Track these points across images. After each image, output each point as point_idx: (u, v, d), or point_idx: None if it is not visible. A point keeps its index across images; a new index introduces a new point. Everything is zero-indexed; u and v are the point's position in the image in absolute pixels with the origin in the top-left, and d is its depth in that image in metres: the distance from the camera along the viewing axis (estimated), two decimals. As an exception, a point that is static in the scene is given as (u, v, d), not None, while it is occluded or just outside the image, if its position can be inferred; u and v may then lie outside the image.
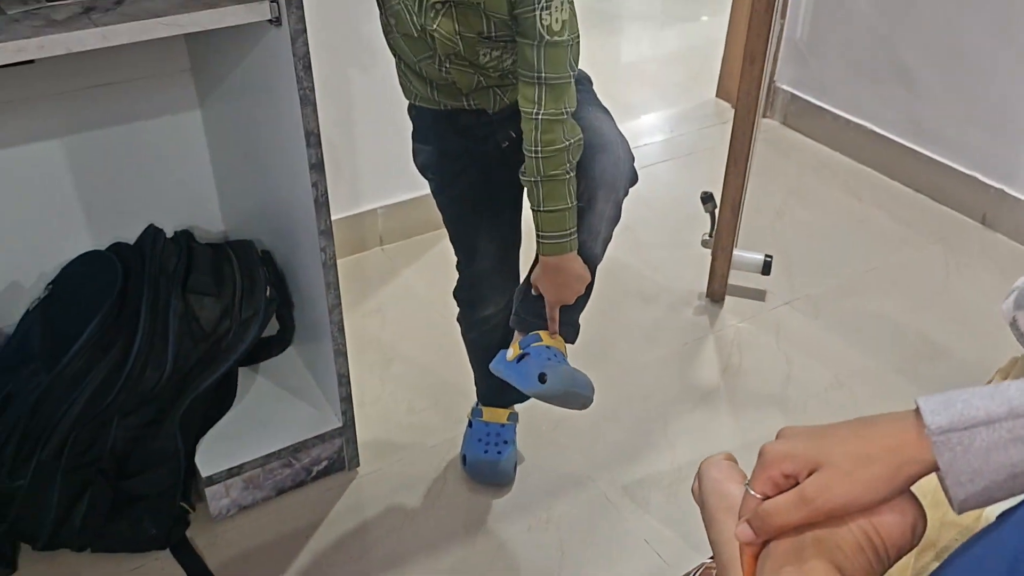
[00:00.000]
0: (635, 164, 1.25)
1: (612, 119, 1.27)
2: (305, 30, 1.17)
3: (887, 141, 2.50)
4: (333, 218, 2.04)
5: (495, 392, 1.56)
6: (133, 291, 1.39)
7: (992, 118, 2.23)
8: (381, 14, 1.21)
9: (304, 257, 1.45)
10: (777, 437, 0.58)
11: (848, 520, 0.54)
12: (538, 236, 1.21)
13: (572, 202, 1.18)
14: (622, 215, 1.26)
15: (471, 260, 1.43)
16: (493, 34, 1.15)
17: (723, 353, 1.88)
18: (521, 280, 1.38)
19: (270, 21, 1.17)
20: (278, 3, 1.15)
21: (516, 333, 1.33)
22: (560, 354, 1.28)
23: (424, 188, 2.15)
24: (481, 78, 1.22)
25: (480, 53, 1.17)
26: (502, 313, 1.45)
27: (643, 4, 4.02)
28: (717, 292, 2.01)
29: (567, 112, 1.14)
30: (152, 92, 1.66)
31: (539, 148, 1.14)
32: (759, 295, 2.05)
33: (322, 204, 1.32)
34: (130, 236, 1.61)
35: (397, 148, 2.08)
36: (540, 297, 1.28)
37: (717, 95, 2.96)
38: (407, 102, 1.33)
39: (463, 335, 1.55)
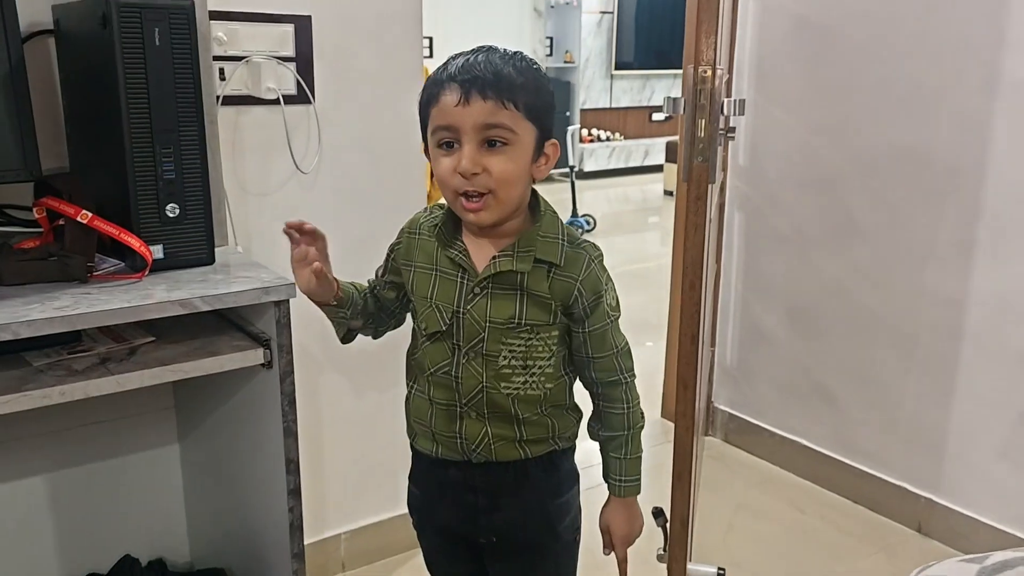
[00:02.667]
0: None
1: None
2: (292, 371, 1.35)
3: (821, 456, 2.69)
4: (297, 545, 2.15)
5: None
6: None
7: (909, 432, 2.44)
8: (415, 342, 1.30)
9: (275, 580, 1.51)
10: None
11: None
12: (618, 481, 1.35)
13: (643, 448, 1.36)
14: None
15: None
16: (523, 320, 1.22)
17: (686, 671, 1.89)
18: None
19: (262, 365, 1.35)
20: (271, 349, 1.34)
21: None
22: None
23: (390, 511, 2.28)
24: (485, 388, 1.24)
25: (502, 353, 1.23)
26: None
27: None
28: (675, 608, 2.05)
29: (635, 372, 1.33)
30: (136, 429, 1.79)
31: (630, 405, 1.32)
32: (716, 609, 2.09)
33: (296, 528, 1.42)
34: (103, 566, 1.66)
35: (364, 470, 2.21)
36: None
37: (662, 415, 3.17)
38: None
39: None
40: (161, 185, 1.31)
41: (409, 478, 1.41)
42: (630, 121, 9.15)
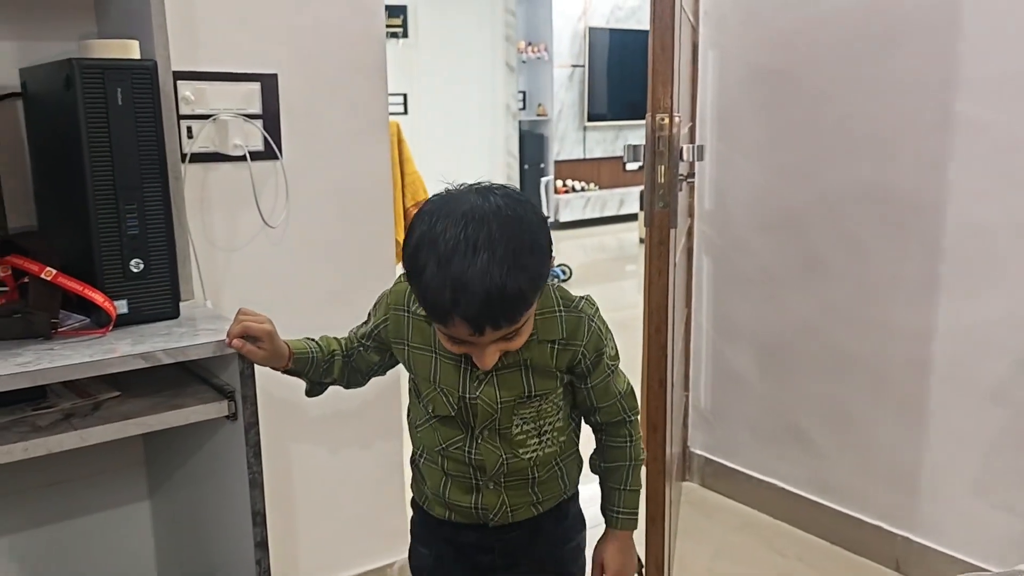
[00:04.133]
0: None
1: None
2: (257, 423, 1.35)
3: (797, 498, 2.70)
4: (270, 601, 2.11)
5: None
6: None
7: (884, 471, 2.46)
8: (416, 404, 1.31)
9: (244, 638, 1.48)
10: None
11: None
12: (616, 513, 1.36)
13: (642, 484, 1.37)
14: None
15: None
16: (534, 391, 1.23)
17: None
18: None
19: (227, 417, 1.35)
20: (235, 401, 1.34)
21: None
22: None
23: (361, 564, 2.25)
24: (505, 460, 1.26)
25: (515, 423, 1.25)
26: None
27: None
28: (654, 655, 2.03)
29: (639, 411, 1.36)
30: (106, 486, 1.78)
31: (632, 440, 1.34)
32: (696, 656, 2.07)
33: (264, 581, 1.40)
34: (68, 630, 1.63)
35: (334, 524, 2.19)
36: None
37: (639, 462, 3.17)
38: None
39: None
40: (125, 241, 1.32)
41: (413, 537, 1.43)
42: (604, 171, 9.28)
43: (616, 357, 1.31)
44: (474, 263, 1.02)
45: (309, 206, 1.97)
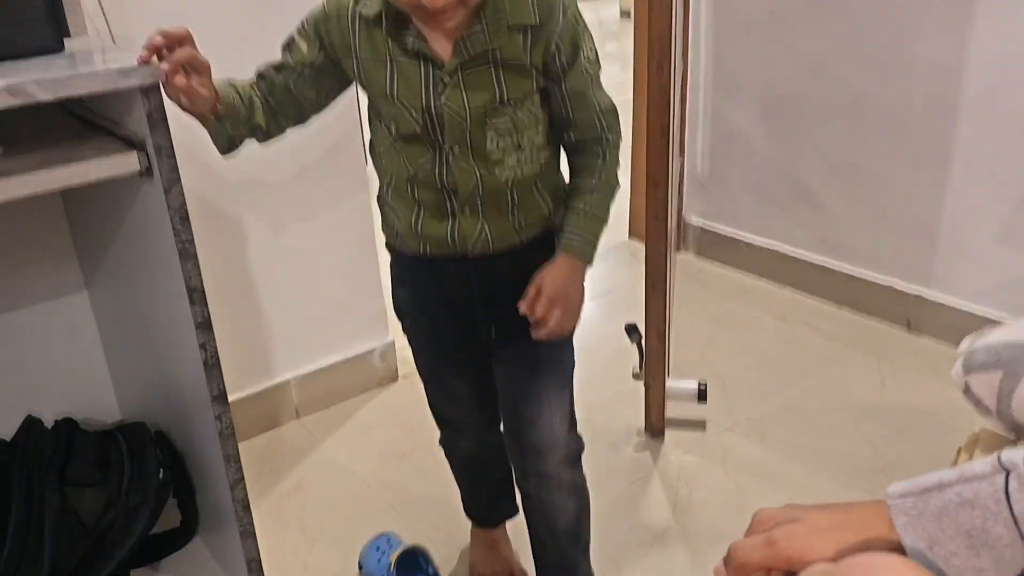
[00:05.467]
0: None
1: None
2: (179, 180, 1.10)
3: (802, 261, 2.52)
4: (242, 394, 1.96)
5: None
6: (1, 489, 1.23)
7: (899, 225, 2.26)
8: (378, 127, 1.14)
9: (200, 429, 1.31)
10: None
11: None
12: (570, 234, 1.14)
13: (609, 218, 1.17)
14: None
15: (448, 406, 1.40)
16: (507, 95, 1.07)
17: (670, 489, 1.76)
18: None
19: (140, 173, 1.10)
20: (146, 153, 1.08)
21: None
22: None
23: (340, 352, 2.09)
24: (480, 179, 1.11)
25: (488, 136, 1.09)
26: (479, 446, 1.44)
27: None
28: (656, 426, 1.91)
29: (620, 135, 1.17)
30: (35, 277, 1.56)
31: (606, 160, 1.15)
32: (699, 425, 1.95)
33: (212, 366, 1.20)
34: (9, 431, 1.46)
35: (307, 312, 2.01)
36: None
37: (630, 236, 2.98)
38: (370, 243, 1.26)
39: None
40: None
41: (392, 281, 1.29)
42: (582, -60, 8.55)
43: (596, 62, 1.13)
44: None
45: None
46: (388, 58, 1.06)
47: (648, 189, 1.73)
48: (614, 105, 1.16)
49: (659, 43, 1.61)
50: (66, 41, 1.15)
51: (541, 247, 1.18)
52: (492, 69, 1.06)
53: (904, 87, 2.14)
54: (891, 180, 2.24)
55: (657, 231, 1.75)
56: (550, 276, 1.13)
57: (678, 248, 2.83)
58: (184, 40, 0.99)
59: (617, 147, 1.17)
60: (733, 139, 2.61)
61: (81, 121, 1.22)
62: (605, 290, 2.60)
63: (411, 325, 1.31)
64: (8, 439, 1.43)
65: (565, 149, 1.19)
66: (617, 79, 6.21)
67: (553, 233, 1.18)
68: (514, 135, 1.10)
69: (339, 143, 1.91)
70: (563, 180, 1.21)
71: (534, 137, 1.12)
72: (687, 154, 2.74)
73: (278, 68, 1.13)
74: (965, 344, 0.76)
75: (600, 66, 1.13)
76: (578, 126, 1.14)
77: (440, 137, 1.08)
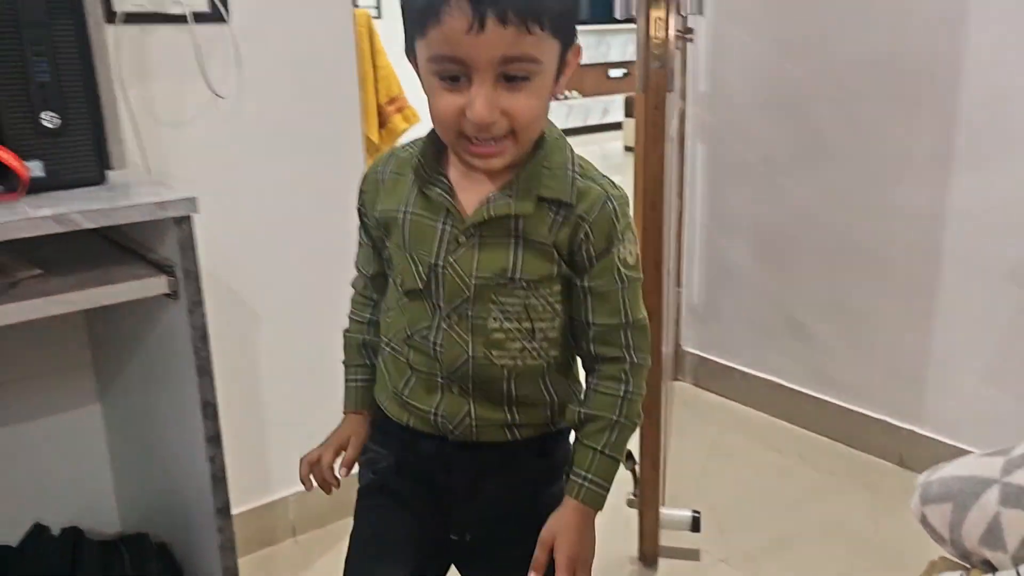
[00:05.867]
0: None
1: None
2: (202, 302, 1.18)
3: (796, 393, 2.58)
4: (240, 509, 1.98)
5: None
6: (6, 596, 1.26)
7: (888, 363, 2.33)
8: (390, 284, 1.07)
9: (202, 541, 1.35)
10: None
11: None
12: (583, 481, 1.01)
13: (624, 459, 1.05)
14: None
15: None
16: (519, 272, 0.98)
17: (663, 620, 1.77)
18: None
19: (167, 295, 1.18)
20: (176, 277, 1.17)
21: None
22: None
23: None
24: (472, 358, 1.00)
25: (492, 315, 0.99)
26: None
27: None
28: (649, 554, 1.93)
29: (649, 360, 1.05)
30: (52, 389, 1.62)
31: (628, 389, 1.02)
32: (693, 554, 1.97)
33: (220, 479, 1.26)
34: (14, 538, 1.49)
35: (308, 428, 2.04)
36: None
37: (629, 364, 3.04)
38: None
39: None
40: (34, 89, 1.12)
41: (369, 438, 1.16)
42: (587, 78, 8.96)
43: (633, 269, 1.01)
44: None
45: (264, 78, 1.76)
46: (407, 209, 1.01)
47: (643, 321, 1.81)
48: (647, 323, 1.03)
49: (653, 183, 1.72)
50: (107, 173, 1.26)
51: (536, 452, 1.07)
52: (512, 243, 0.97)
53: (888, 233, 2.25)
54: (879, 320, 2.33)
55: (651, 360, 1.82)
56: (565, 537, 1.00)
57: (676, 377, 2.89)
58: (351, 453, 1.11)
59: (642, 373, 1.04)
60: (728, 273, 2.72)
61: (110, 242, 1.32)
62: (602, 416, 2.65)
63: (376, 481, 1.13)
64: (14, 545, 1.46)
65: (582, 360, 1.07)
66: (620, 210, 6.37)
67: (554, 438, 1.08)
68: (525, 323, 1.00)
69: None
70: (578, 384, 1.09)
71: (549, 332, 1.01)
72: (684, 286, 2.84)
73: (358, 256, 1.14)
74: (923, 477, 0.81)
75: (641, 277, 1.02)
76: (599, 337, 1.01)
77: (439, 300, 1.00)
